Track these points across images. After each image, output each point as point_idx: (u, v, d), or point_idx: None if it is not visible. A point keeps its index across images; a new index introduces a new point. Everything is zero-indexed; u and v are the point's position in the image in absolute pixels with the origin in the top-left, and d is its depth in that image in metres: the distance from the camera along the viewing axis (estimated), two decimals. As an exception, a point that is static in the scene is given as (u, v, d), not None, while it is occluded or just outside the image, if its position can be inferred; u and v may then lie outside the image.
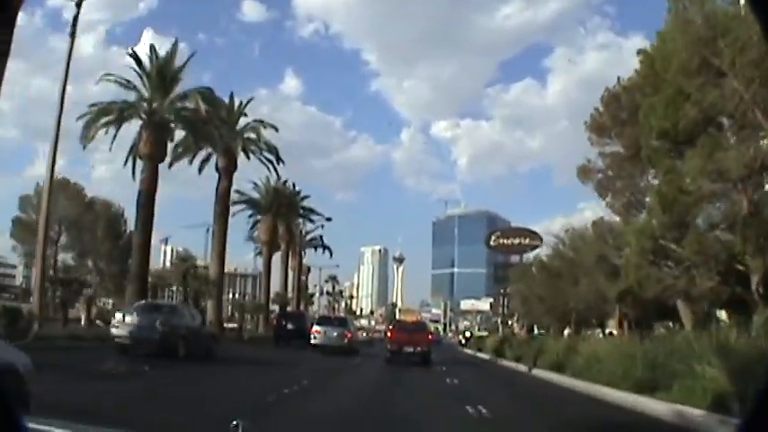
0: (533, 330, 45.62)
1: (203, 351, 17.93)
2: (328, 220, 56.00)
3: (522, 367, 23.00)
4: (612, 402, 11.24)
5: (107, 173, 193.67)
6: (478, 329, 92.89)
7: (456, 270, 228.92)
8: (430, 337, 27.68)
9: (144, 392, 9.97)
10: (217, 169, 35.15)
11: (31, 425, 1.95)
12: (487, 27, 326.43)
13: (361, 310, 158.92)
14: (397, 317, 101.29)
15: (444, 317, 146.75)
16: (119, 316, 17.82)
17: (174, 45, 27.48)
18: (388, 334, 26.94)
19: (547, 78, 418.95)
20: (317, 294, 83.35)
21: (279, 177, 43.83)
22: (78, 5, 17.74)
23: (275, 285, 54.54)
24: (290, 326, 33.24)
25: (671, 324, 32.83)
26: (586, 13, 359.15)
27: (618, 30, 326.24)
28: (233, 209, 43.51)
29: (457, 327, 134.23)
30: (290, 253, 53.83)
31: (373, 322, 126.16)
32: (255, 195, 47.49)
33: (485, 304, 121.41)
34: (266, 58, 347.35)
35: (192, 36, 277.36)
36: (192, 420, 7.27)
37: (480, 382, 17.65)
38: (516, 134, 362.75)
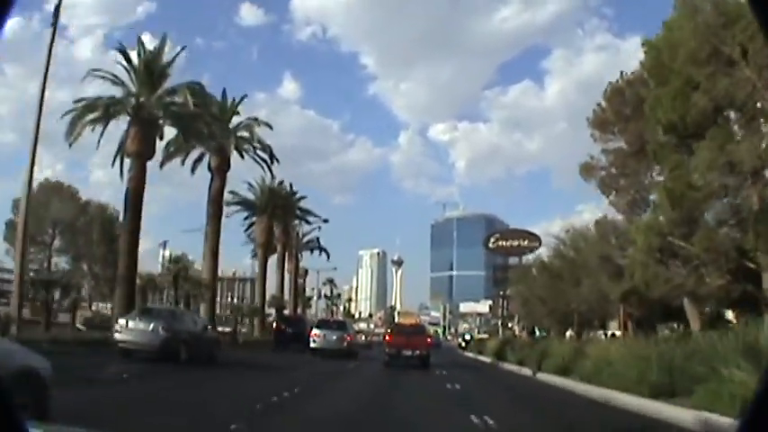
0: (534, 332, 44.91)
1: (205, 355, 18.27)
2: (325, 221, 55.30)
3: (526, 371, 22.19)
4: (627, 408, 10.47)
5: (105, 177, 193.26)
6: (478, 332, 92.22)
7: (455, 273, 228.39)
8: (429, 340, 27.39)
9: (142, 396, 9.89)
10: (209, 169, 34.37)
11: (32, 430, 2.06)
12: (485, 29, 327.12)
13: (360, 314, 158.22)
14: (396, 320, 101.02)
15: (443, 320, 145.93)
16: (121, 321, 18.00)
17: (163, 39, 26.65)
18: (387, 337, 26.70)
19: (545, 80, 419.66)
20: (315, 298, 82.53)
21: (273, 177, 43.08)
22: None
23: (272, 289, 53.81)
24: (289, 330, 33.26)
25: (675, 325, 32.23)
26: (584, 15, 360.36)
27: (616, 31, 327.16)
28: (228, 210, 42.87)
29: (456, 330, 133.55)
30: (287, 255, 53.01)
31: (372, 325, 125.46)
32: (251, 197, 46.71)
33: (484, 307, 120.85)
34: (264, 62, 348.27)
35: (190, 40, 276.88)
36: (191, 424, 7.27)
37: (483, 388, 16.72)
38: (514, 136, 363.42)
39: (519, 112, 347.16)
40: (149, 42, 27.46)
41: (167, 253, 57.76)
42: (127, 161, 25.17)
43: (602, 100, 23.60)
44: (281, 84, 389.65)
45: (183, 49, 29.43)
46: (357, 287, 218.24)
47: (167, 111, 25.89)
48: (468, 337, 75.01)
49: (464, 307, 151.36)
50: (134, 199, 25.14)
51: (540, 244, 43.67)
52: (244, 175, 60.20)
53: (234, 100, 36.29)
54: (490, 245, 48.32)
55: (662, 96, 17.52)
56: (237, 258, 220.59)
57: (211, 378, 14.56)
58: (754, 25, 14.41)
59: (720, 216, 17.41)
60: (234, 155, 35.48)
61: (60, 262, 61.58)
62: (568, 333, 35.15)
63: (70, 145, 24.14)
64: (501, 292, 51.56)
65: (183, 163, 33.79)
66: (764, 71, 14.03)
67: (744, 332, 9.16)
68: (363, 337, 60.70)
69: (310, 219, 54.04)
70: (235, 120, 36.42)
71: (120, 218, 29.94)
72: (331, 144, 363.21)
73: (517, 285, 41.71)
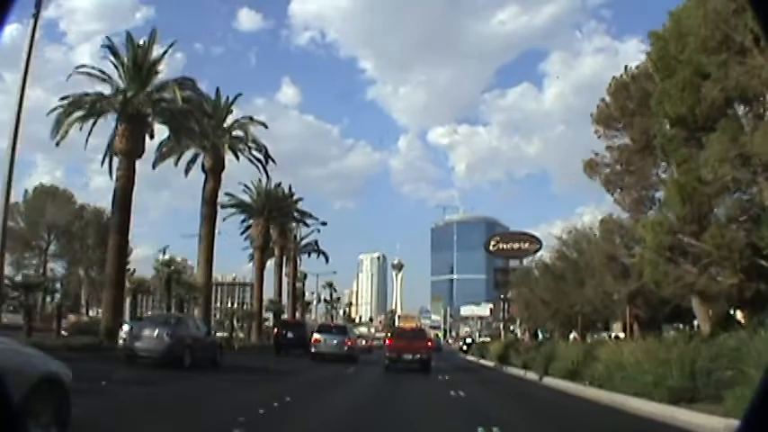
0: (537, 335, 44.22)
1: (209, 361, 18.66)
2: (323, 224, 54.61)
3: (532, 375, 21.43)
4: (645, 415, 9.68)
5: (104, 183, 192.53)
6: (479, 335, 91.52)
7: (455, 276, 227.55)
8: (429, 343, 26.98)
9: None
10: (203, 169, 33.58)
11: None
12: (483, 33, 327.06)
13: (360, 318, 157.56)
14: (397, 324, 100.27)
15: (444, 323, 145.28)
16: (126, 327, 18.48)
17: (153, 34, 25.85)
18: (387, 341, 26.42)
19: (543, 83, 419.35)
20: (315, 302, 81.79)
21: (269, 178, 42.29)
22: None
23: (271, 293, 53.12)
24: (289, 335, 33.29)
25: (681, 326, 31.57)
26: (582, 17, 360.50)
27: (614, 33, 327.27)
28: (224, 213, 42.24)
29: (457, 333, 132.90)
30: (285, 258, 52.29)
31: (373, 329, 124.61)
32: (247, 199, 45.97)
33: (485, 310, 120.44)
34: (263, 68, 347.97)
35: (189, 46, 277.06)
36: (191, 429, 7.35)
37: (489, 395, 15.74)
38: (514, 139, 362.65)
39: (518, 114, 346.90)
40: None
41: (167, 257, 57.01)
42: (116, 161, 24.38)
43: (606, 95, 22.94)
44: (280, 89, 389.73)
45: (172, 44, 28.63)
46: (357, 291, 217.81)
47: (156, 107, 25.05)
48: (469, 340, 74.29)
49: (465, 310, 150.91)
50: (122, 198, 24.32)
51: (540, 246, 43.50)
52: (241, 177, 59.58)
53: (228, 98, 35.58)
54: (491, 248, 47.95)
55: (670, 88, 16.86)
56: (238, 264, 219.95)
57: (215, 382, 14.84)
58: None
59: (732, 212, 16.74)
60: (229, 156, 34.89)
61: (56, 267, 61.25)
62: (572, 335, 34.46)
63: (57, 144, 23.42)
64: (502, 295, 51.20)
65: (176, 164, 33.13)
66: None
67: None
68: (364, 342, 59.93)
69: (309, 222, 53.43)
70: (230, 119, 35.66)
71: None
72: (330, 149, 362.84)
73: (519, 288, 41.08)
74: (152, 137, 25.71)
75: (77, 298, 70.46)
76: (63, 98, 24.15)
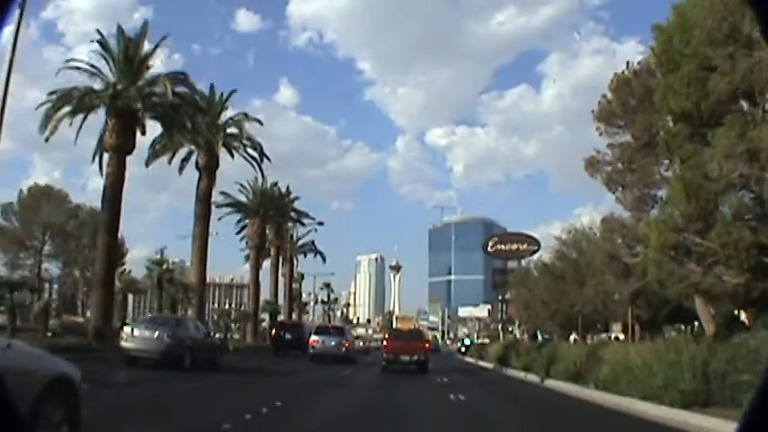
0: (537, 336, 43.80)
1: (208, 361, 18.97)
2: (320, 224, 54.19)
3: (532, 377, 20.93)
4: (654, 420, 9.22)
5: (102, 184, 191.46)
6: (477, 336, 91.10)
7: (453, 277, 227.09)
8: (426, 345, 26.90)
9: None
10: (197, 167, 32.97)
11: None
12: (481, 34, 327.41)
13: (358, 319, 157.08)
14: (394, 325, 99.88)
15: (442, 324, 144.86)
16: (127, 329, 18.80)
17: (144, 26, 25.30)
18: (384, 342, 26.39)
19: (542, 84, 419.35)
20: (312, 303, 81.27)
21: (264, 176, 41.77)
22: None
23: (268, 294, 52.55)
24: (288, 336, 33.50)
25: (683, 327, 31.19)
26: (580, 19, 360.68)
27: (612, 35, 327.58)
28: (219, 213, 41.73)
29: (455, 334, 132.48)
30: (281, 259, 51.73)
31: (370, 331, 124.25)
32: (243, 199, 45.38)
33: (483, 311, 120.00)
34: (261, 69, 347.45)
35: (187, 47, 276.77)
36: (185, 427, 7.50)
37: (490, 398, 15.16)
38: (512, 141, 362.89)
39: (516, 116, 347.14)
40: (145, 50, 26.21)
41: (159, 257, 56.41)
42: (106, 157, 23.79)
43: (608, 91, 22.53)
44: (278, 90, 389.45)
45: (164, 37, 28.08)
46: (355, 293, 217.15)
47: (147, 102, 24.43)
48: (467, 341, 73.89)
49: (463, 311, 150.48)
50: (112, 195, 23.74)
51: (539, 247, 43.39)
52: (238, 178, 59.09)
53: (222, 95, 34.87)
54: (489, 248, 47.71)
55: (674, 83, 16.44)
56: (237, 265, 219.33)
57: (218, 382, 15.21)
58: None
59: (739, 209, 16.29)
60: (224, 155, 34.29)
61: (51, 267, 60.64)
62: (572, 337, 34.05)
63: (46, 140, 22.91)
64: (500, 296, 50.98)
65: (170, 162, 32.55)
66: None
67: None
68: (361, 343, 59.55)
69: (306, 222, 52.90)
70: (224, 117, 34.86)
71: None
72: (328, 150, 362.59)
73: (518, 288, 40.69)
74: (143, 132, 25.16)
75: (73, 299, 69.88)
76: (51, 93, 23.61)
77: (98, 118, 24.69)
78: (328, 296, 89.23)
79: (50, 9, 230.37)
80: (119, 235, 43.33)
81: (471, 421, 9.81)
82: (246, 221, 45.77)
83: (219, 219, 43.78)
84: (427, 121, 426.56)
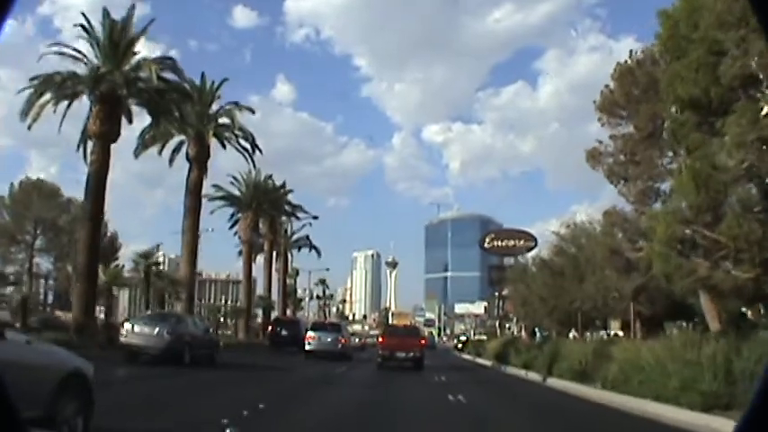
0: (535, 333, 43.22)
1: (207, 358, 19.25)
2: (315, 218, 53.49)
3: (533, 375, 20.22)
4: (669, 423, 8.54)
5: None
6: (474, 333, 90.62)
7: (449, 274, 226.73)
8: (422, 341, 26.69)
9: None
10: (187, 158, 32.10)
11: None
12: (478, 31, 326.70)
13: (354, 316, 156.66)
14: (391, 321, 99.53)
15: (438, 321, 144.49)
16: (127, 326, 18.94)
17: (131, 9, 24.35)
18: (380, 339, 26.17)
19: (538, 81, 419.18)
20: (307, 299, 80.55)
21: (255, 167, 41.03)
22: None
23: (262, 290, 51.83)
24: (284, 332, 33.48)
25: (684, 323, 30.61)
26: (577, 16, 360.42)
27: (609, 32, 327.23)
28: (211, 206, 40.97)
29: (452, 331, 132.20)
30: (275, 253, 50.93)
31: (366, 327, 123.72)
32: (236, 192, 44.54)
33: (479, 308, 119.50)
34: (258, 65, 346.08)
35: (183, 43, 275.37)
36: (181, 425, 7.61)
37: (492, 399, 14.26)
38: (508, 137, 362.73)
39: (512, 112, 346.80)
40: (141, 46, 25.56)
41: (161, 255, 55.79)
42: (90, 145, 22.97)
43: (611, 80, 21.87)
44: (275, 86, 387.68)
45: (151, 21, 27.23)
46: (351, 289, 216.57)
47: (132, 87, 23.56)
48: (464, 338, 73.39)
49: (459, 308, 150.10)
50: (96, 184, 22.89)
51: (536, 243, 43.12)
52: (231, 172, 58.36)
53: (213, 83, 33.91)
54: (485, 245, 47.37)
55: (681, 69, 15.78)
56: (232, 261, 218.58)
57: (217, 378, 15.47)
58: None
59: (749, 201, 15.65)
60: (217, 147, 33.48)
61: (43, 262, 59.75)
62: (571, 334, 33.49)
63: (29, 127, 22.08)
64: (497, 293, 50.64)
65: (160, 152, 31.73)
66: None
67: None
68: (357, 340, 58.99)
69: (301, 216, 52.13)
70: (216, 107, 33.97)
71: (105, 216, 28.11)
72: (324, 146, 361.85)
73: (515, 284, 40.15)
74: (130, 120, 24.32)
75: (66, 294, 69.06)
76: (32, 78, 22.74)
77: (86, 107, 24.03)
78: (323, 292, 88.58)
79: (47, 5, 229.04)
80: (110, 230, 42.40)
81: (471, 423, 9.15)
82: (239, 215, 44.95)
83: (212, 212, 43.10)
84: (424, 117, 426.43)
